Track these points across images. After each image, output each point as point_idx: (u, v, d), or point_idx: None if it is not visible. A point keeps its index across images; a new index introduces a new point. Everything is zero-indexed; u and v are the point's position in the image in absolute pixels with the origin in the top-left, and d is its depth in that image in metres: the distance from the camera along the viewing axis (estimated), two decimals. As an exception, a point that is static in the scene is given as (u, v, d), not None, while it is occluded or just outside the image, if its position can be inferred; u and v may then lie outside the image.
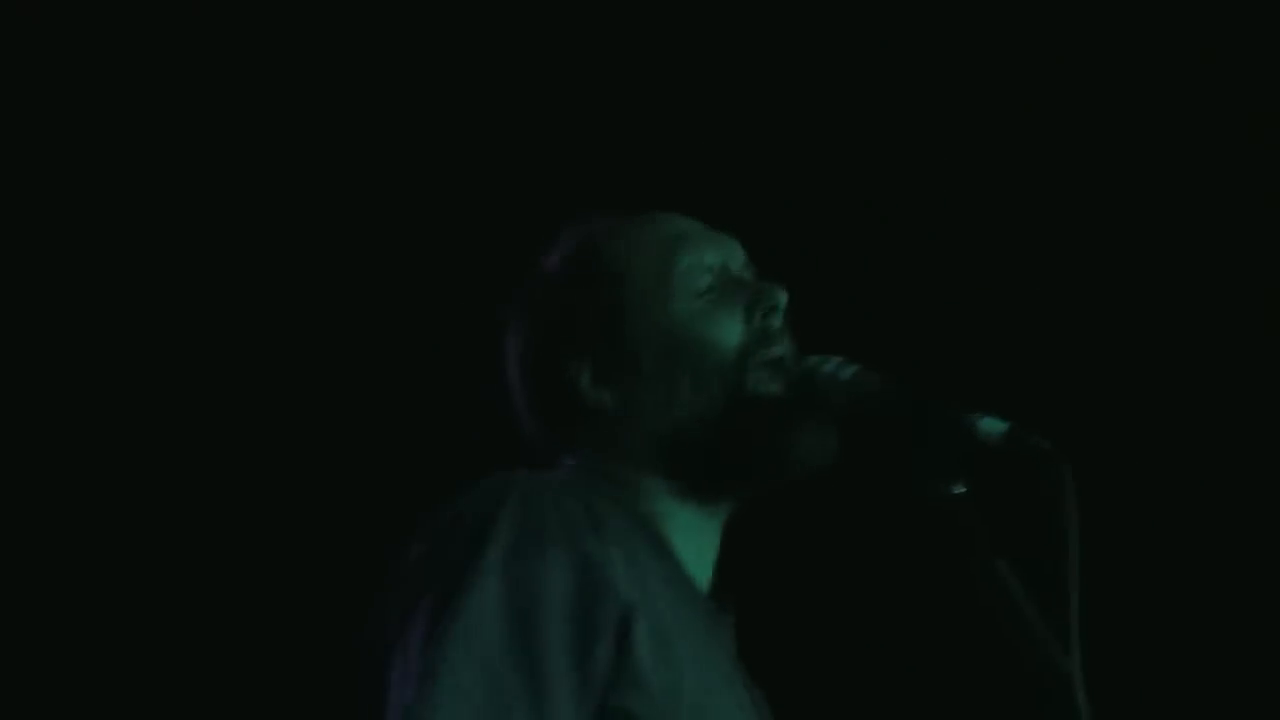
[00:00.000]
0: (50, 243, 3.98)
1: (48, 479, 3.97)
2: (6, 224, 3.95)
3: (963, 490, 2.23)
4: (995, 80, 4.01)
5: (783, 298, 2.38)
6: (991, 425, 2.21)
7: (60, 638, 3.97)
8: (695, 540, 2.36)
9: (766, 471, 2.37)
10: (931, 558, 2.71)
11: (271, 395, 4.03)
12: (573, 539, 2.16)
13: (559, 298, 2.43)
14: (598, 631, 2.12)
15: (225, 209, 4.02)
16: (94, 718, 3.95)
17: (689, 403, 2.33)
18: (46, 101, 3.93)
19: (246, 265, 4.02)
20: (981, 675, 3.77)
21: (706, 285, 2.38)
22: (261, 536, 3.99)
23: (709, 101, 4.02)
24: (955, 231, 4.02)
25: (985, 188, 4.03)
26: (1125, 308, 4.00)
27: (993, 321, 3.99)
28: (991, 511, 2.22)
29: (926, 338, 3.87)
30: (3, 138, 3.93)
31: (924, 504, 2.24)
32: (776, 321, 2.37)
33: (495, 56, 4.04)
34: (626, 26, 4.00)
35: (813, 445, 2.34)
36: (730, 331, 2.35)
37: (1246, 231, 3.99)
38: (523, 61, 4.02)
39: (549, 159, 3.98)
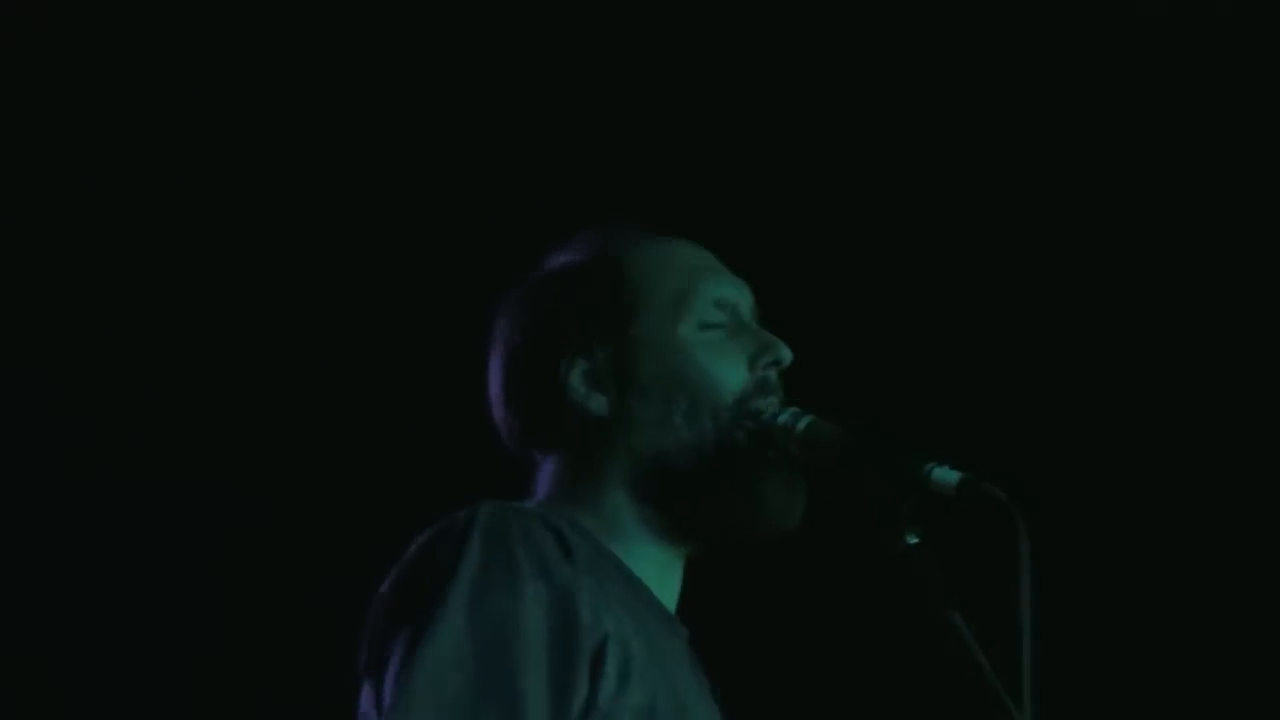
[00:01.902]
0: (44, 242, 3.98)
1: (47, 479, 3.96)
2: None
3: (917, 540, 2.23)
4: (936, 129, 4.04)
5: (788, 355, 2.37)
6: (945, 475, 2.21)
7: (60, 637, 3.96)
8: (658, 574, 2.34)
9: (738, 525, 2.35)
10: (887, 608, 2.71)
11: (260, 396, 4.02)
12: (542, 569, 2.14)
13: (568, 293, 2.40)
14: (572, 664, 2.11)
15: (213, 209, 4.01)
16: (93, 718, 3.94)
17: (679, 429, 2.32)
18: (32, 99, 3.93)
19: (237, 266, 4.02)
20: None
21: (719, 320, 2.37)
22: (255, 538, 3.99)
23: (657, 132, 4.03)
24: (906, 279, 4.03)
25: (938, 232, 4.05)
26: (1078, 355, 4.01)
27: (948, 368, 3.99)
28: (946, 561, 2.22)
29: (882, 384, 3.87)
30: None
31: (879, 554, 2.24)
32: (775, 376, 2.36)
33: (483, 54, 4.03)
34: (610, 32, 4.00)
35: (785, 507, 2.33)
36: (734, 373, 2.35)
37: (1194, 283, 4.01)
38: (510, 63, 4.02)
39: (536, 163, 3.98)
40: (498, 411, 2.43)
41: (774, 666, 3.94)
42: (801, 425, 2.32)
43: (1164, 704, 3.93)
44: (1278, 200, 3.98)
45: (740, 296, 2.41)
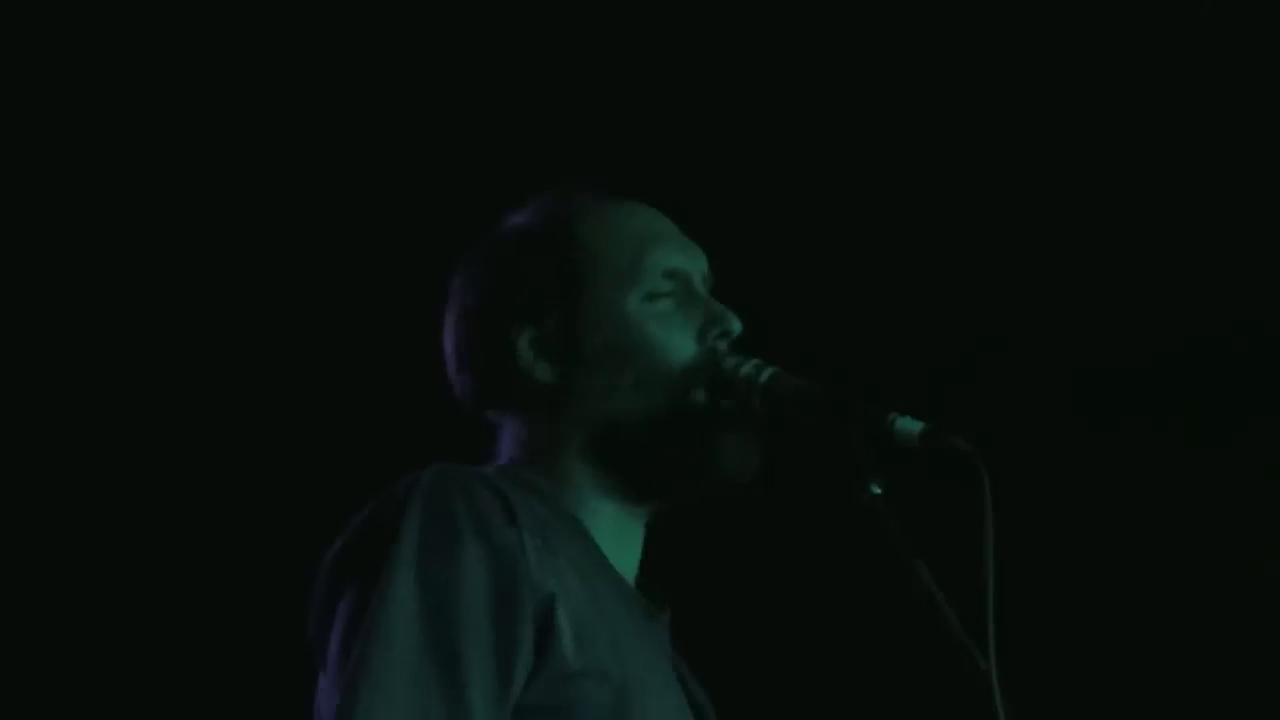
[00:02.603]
0: (36, 241, 3.97)
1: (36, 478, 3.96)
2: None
3: (880, 490, 2.23)
4: (903, 100, 4.04)
5: (737, 326, 2.37)
6: (908, 425, 2.22)
7: (57, 636, 3.95)
8: (617, 537, 2.35)
9: (694, 483, 2.35)
10: (852, 558, 2.72)
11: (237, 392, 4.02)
12: (485, 531, 2.13)
13: (521, 257, 2.40)
14: (517, 625, 2.11)
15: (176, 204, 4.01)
16: (92, 717, 3.94)
17: (629, 399, 2.32)
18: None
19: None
20: (903, 675, 3.79)
21: (668, 290, 2.37)
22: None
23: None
24: (871, 236, 4.04)
25: (902, 191, 4.05)
26: (1041, 309, 4.03)
27: (909, 322, 4.00)
28: (910, 511, 2.22)
29: (845, 338, 3.88)
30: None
31: (842, 505, 2.24)
32: (724, 346, 2.36)
33: (452, 46, 4.03)
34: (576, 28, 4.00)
35: (740, 462, 2.33)
36: (683, 344, 2.34)
37: (1149, 243, 4.03)
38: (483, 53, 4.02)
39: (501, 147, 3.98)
40: (451, 371, 2.43)
41: (741, 624, 3.96)
42: (764, 377, 2.32)
43: (1125, 652, 3.96)
44: (1230, 170, 4.00)
45: (693, 266, 2.40)
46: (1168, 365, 4.02)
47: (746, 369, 2.33)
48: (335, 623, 2.13)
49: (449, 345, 2.44)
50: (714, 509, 2.39)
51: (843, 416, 2.25)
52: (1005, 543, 2.14)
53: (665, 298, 2.36)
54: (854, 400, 2.27)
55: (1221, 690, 3.96)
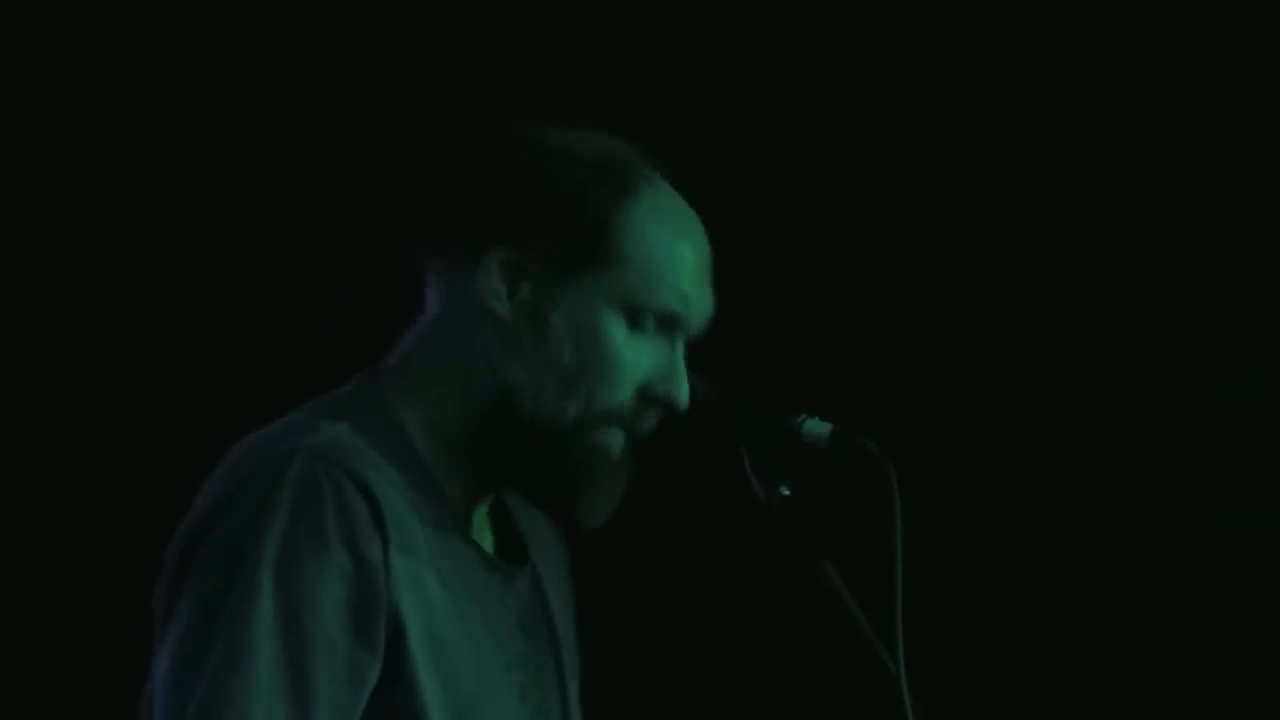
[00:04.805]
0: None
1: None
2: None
3: (788, 492, 2.24)
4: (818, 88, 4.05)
5: (681, 404, 2.26)
6: (817, 427, 2.23)
7: (54, 634, 3.93)
8: (468, 499, 2.28)
9: (542, 506, 2.32)
10: (760, 559, 2.73)
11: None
12: (351, 541, 2.10)
13: (557, 193, 2.23)
14: (368, 643, 2.10)
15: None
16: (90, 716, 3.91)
17: (545, 391, 2.21)
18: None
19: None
20: (812, 676, 3.80)
21: (652, 326, 2.24)
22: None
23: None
24: (779, 234, 4.04)
25: (812, 187, 4.06)
26: (946, 304, 4.04)
27: (817, 322, 4.01)
28: (818, 512, 2.23)
29: (752, 340, 3.88)
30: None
31: (751, 505, 2.25)
32: (652, 424, 2.27)
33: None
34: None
35: (592, 518, 2.26)
36: (625, 384, 2.23)
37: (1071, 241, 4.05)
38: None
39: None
40: (419, 198, 2.30)
41: (649, 626, 3.96)
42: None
43: (1033, 654, 3.98)
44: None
45: (694, 315, 2.28)
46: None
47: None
48: (187, 606, 2.09)
49: (439, 175, 2.30)
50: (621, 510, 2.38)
51: (752, 418, 2.26)
52: (914, 544, 2.16)
53: (638, 330, 2.24)
54: (762, 402, 2.27)
55: (1132, 683, 3.99)
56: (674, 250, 2.26)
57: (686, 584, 3.99)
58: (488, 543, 2.31)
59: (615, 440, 2.24)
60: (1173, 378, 3.97)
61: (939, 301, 4.01)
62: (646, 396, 2.25)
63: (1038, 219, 4.00)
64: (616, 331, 2.23)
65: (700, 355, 2.33)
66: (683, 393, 2.25)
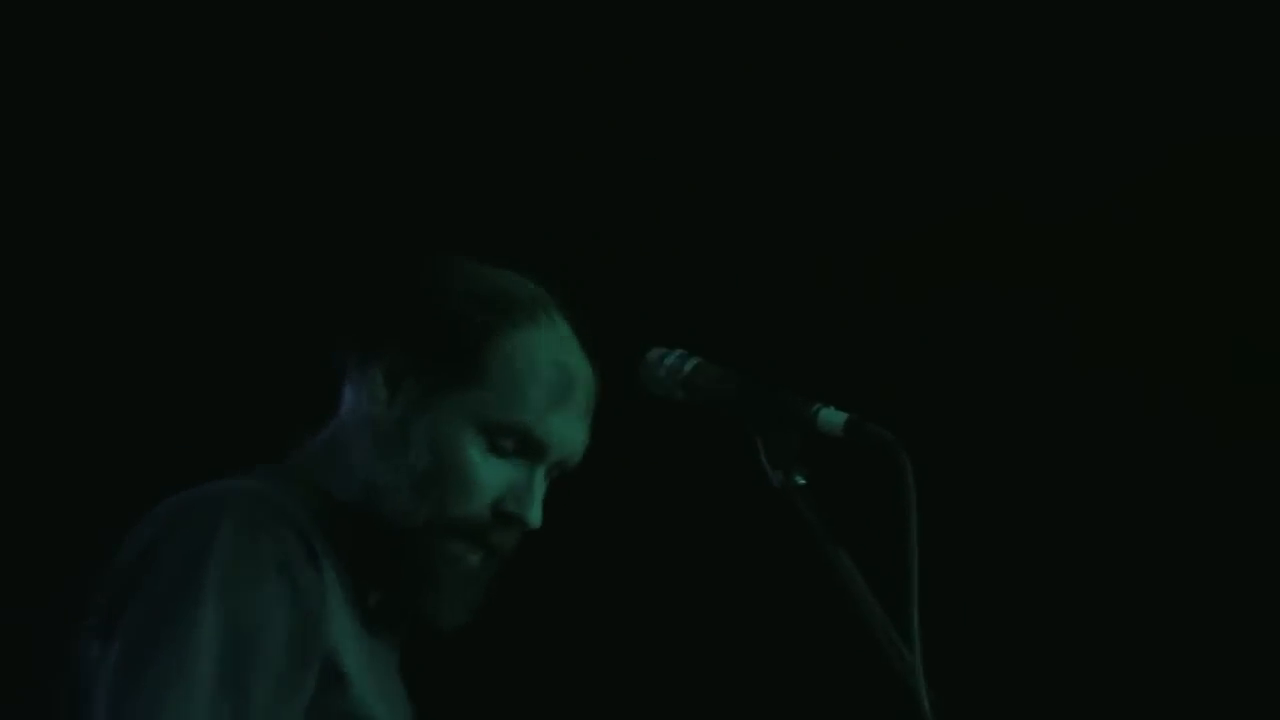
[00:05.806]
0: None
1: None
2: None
3: (804, 481, 2.24)
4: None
5: (532, 524, 2.35)
6: (832, 416, 2.23)
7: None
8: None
9: (402, 600, 2.37)
10: (775, 548, 2.73)
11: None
12: (288, 569, 2.21)
13: (442, 320, 2.37)
14: (302, 665, 2.20)
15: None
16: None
17: (401, 494, 2.33)
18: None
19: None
20: (829, 665, 3.81)
21: (507, 448, 2.34)
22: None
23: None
24: (791, 222, 4.06)
25: (829, 182, 4.07)
26: (962, 294, 4.06)
27: (833, 312, 4.02)
28: (833, 502, 2.23)
29: (768, 329, 3.89)
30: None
31: (766, 495, 2.25)
32: (509, 541, 2.35)
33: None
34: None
35: (448, 621, 2.35)
36: (476, 498, 2.33)
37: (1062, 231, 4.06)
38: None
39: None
40: (345, 305, 2.45)
41: (660, 616, 3.97)
42: (688, 367, 2.32)
43: (1048, 644, 3.99)
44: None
45: (552, 444, 2.36)
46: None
47: (671, 359, 2.33)
48: (124, 629, 2.18)
49: (357, 291, 2.45)
50: (633, 500, 2.38)
51: (766, 406, 2.26)
52: (930, 533, 2.16)
53: (503, 454, 2.34)
54: (777, 390, 2.27)
55: (1145, 679, 4.00)
56: (541, 377, 2.36)
57: (703, 574, 3.99)
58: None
59: (465, 549, 2.34)
60: (1197, 369, 3.99)
61: (955, 290, 4.02)
62: (500, 513, 2.34)
63: (1053, 213, 4.01)
64: (472, 446, 2.34)
65: (716, 345, 2.34)
66: (535, 515, 2.35)
